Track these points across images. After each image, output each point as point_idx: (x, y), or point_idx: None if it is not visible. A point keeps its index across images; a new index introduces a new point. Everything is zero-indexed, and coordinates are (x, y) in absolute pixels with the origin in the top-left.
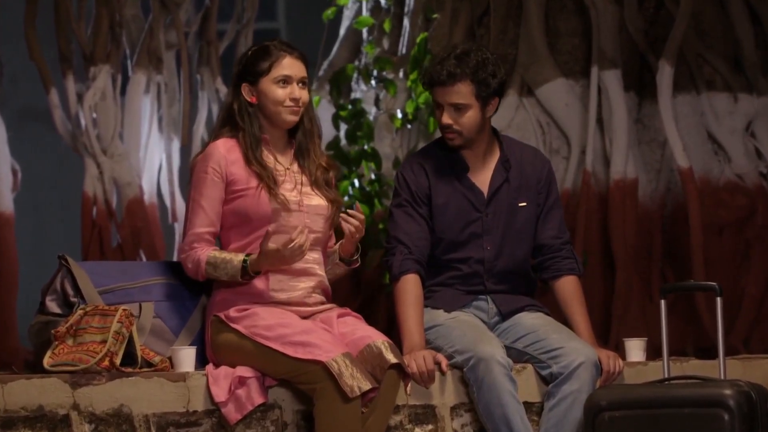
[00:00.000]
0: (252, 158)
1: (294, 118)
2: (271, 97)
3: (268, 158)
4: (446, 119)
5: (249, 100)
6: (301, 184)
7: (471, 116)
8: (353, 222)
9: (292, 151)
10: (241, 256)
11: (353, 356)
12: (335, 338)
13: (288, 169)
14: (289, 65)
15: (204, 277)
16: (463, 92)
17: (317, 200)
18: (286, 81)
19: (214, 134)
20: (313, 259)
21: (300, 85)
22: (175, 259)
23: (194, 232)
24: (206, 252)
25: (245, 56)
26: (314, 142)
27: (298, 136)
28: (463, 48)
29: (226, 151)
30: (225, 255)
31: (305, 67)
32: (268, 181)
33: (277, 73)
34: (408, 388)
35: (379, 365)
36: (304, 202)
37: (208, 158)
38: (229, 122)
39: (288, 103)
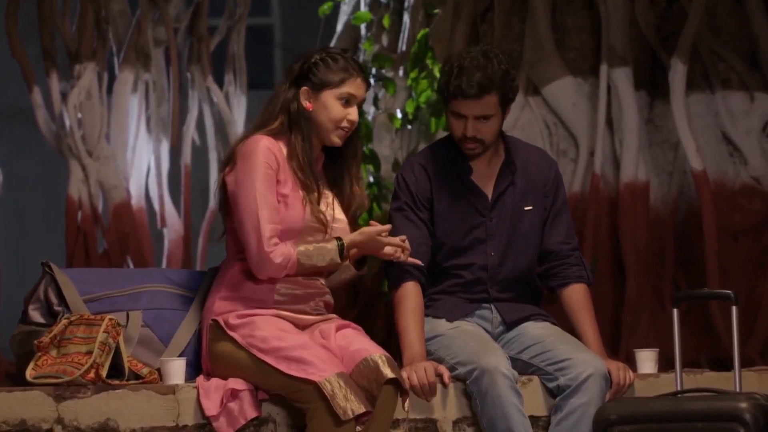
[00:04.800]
0: (306, 166)
1: (339, 142)
2: (331, 113)
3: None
4: (471, 131)
5: (305, 105)
6: (333, 207)
7: (494, 125)
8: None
9: (320, 165)
10: (332, 242)
11: (348, 374)
12: (331, 356)
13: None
14: (357, 87)
15: (290, 271)
16: (491, 103)
17: (342, 224)
18: (349, 101)
19: (261, 124)
20: (322, 274)
21: (357, 107)
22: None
23: (271, 228)
24: (293, 245)
25: (314, 58)
26: (358, 167)
27: (339, 158)
28: (483, 55)
29: (276, 150)
30: (311, 246)
31: (366, 92)
32: (312, 194)
33: (345, 89)
34: (406, 405)
35: (375, 380)
36: (333, 225)
37: (258, 151)
38: (282, 120)
39: (344, 124)
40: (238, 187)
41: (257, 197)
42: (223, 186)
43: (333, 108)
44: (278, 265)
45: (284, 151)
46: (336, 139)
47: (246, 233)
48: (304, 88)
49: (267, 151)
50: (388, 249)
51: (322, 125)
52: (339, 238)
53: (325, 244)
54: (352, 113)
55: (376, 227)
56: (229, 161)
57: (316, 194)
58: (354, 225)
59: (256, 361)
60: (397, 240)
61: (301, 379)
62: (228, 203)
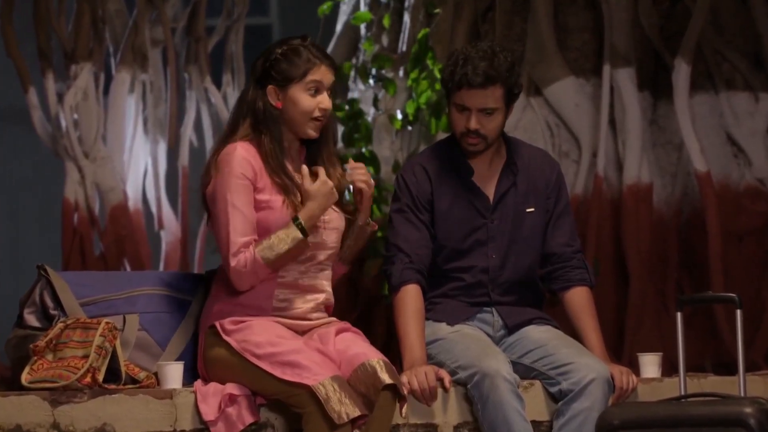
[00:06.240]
0: (278, 169)
1: (315, 134)
2: (301, 107)
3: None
4: (474, 124)
5: (274, 104)
6: None
7: (498, 121)
8: (362, 175)
9: (302, 158)
10: (290, 226)
11: (344, 379)
12: (326, 360)
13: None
14: (323, 73)
15: (263, 274)
16: (496, 96)
17: (334, 215)
18: (317, 89)
19: (230, 130)
20: (323, 275)
21: (327, 93)
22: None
23: (242, 241)
24: (252, 247)
25: (274, 55)
26: (330, 151)
27: (315, 145)
28: (489, 48)
29: (251, 157)
30: (271, 237)
31: (334, 75)
32: (294, 196)
33: (310, 78)
34: (403, 411)
35: (373, 385)
36: (324, 218)
37: (231, 161)
38: (250, 122)
39: (316, 113)
40: (213, 200)
41: (228, 210)
42: (204, 199)
43: (302, 101)
44: (248, 273)
45: (258, 156)
46: (311, 132)
47: (220, 249)
48: (270, 87)
49: (242, 160)
50: (356, 183)
51: (294, 120)
52: (296, 217)
53: (282, 231)
54: (324, 101)
55: (309, 179)
56: (207, 174)
57: (297, 194)
58: (341, 207)
59: (250, 367)
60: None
61: (295, 383)
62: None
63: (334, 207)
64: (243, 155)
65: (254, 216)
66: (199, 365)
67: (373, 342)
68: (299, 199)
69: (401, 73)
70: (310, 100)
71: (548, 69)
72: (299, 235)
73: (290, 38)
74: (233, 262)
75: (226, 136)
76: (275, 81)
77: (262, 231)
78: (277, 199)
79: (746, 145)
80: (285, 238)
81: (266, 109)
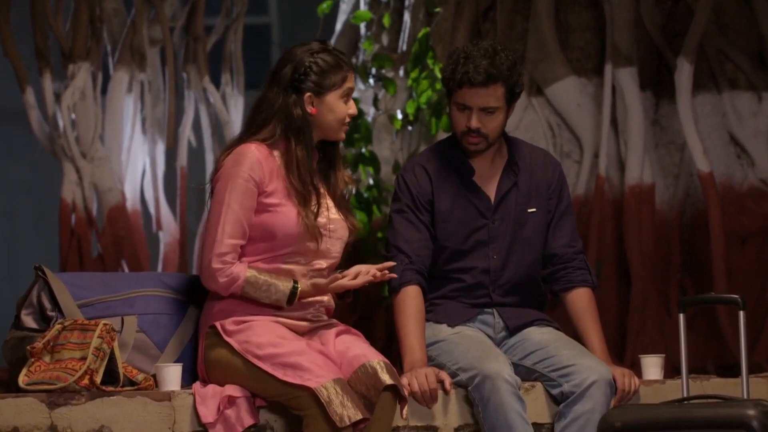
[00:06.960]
0: (307, 177)
1: (344, 136)
2: (337, 113)
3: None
4: (475, 123)
5: (309, 111)
6: (327, 208)
7: (499, 120)
8: (366, 276)
9: (314, 163)
10: (288, 283)
11: (346, 381)
12: (328, 362)
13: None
14: (352, 79)
15: (235, 292)
16: (497, 95)
17: (340, 224)
18: (348, 95)
19: (251, 130)
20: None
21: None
22: (167, 271)
23: (229, 243)
24: (245, 269)
25: (307, 62)
26: (341, 157)
27: (330, 148)
28: (491, 46)
29: (264, 159)
30: (266, 277)
31: None
32: (310, 208)
33: (346, 86)
34: (404, 412)
35: (373, 386)
36: (329, 227)
37: (243, 161)
38: (281, 127)
39: (347, 119)
40: (213, 195)
41: (223, 210)
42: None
43: (338, 107)
44: (221, 285)
45: (279, 160)
46: (342, 135)
47: (204, 241)
48: (308, 94)
49: (254, 161)
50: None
51: (328, 126)
52: (296, 282)
53: (279, 282)
54: (352, 106)
55: (326, 280)
56: (217, 171)
57: (314, 203)
58: (342, 208)
59: (252, 368)
60: (352, 282)
61: (297, 385)
62: None
63: (340, 216)
64: (256, 156)
65: (250, 220)
66: (199, 366)
67: (373, 344)
68: (312, 206)
69: (401, 72)
70: (344, 107)
71: (550, 68)
72: (284, 302)
73: (311, 43)
74: (216, 264)
75: (246, 137)
76: (311, 89)
77: (266, 234)
78: (287, 204)
79: (749, 145)
80: (272, 293)
81: (304, 117)
